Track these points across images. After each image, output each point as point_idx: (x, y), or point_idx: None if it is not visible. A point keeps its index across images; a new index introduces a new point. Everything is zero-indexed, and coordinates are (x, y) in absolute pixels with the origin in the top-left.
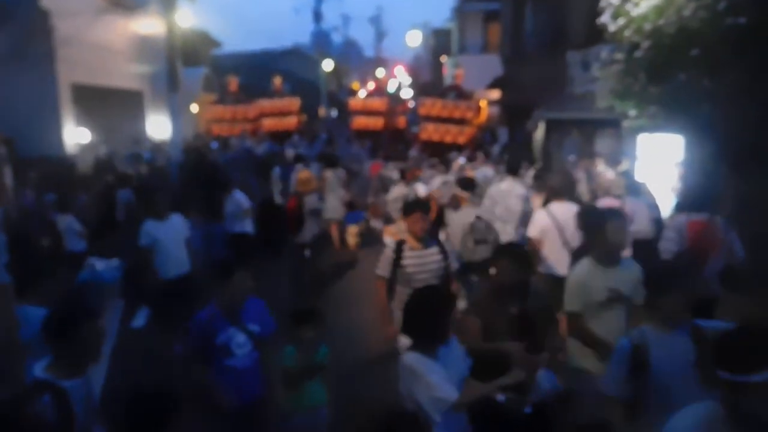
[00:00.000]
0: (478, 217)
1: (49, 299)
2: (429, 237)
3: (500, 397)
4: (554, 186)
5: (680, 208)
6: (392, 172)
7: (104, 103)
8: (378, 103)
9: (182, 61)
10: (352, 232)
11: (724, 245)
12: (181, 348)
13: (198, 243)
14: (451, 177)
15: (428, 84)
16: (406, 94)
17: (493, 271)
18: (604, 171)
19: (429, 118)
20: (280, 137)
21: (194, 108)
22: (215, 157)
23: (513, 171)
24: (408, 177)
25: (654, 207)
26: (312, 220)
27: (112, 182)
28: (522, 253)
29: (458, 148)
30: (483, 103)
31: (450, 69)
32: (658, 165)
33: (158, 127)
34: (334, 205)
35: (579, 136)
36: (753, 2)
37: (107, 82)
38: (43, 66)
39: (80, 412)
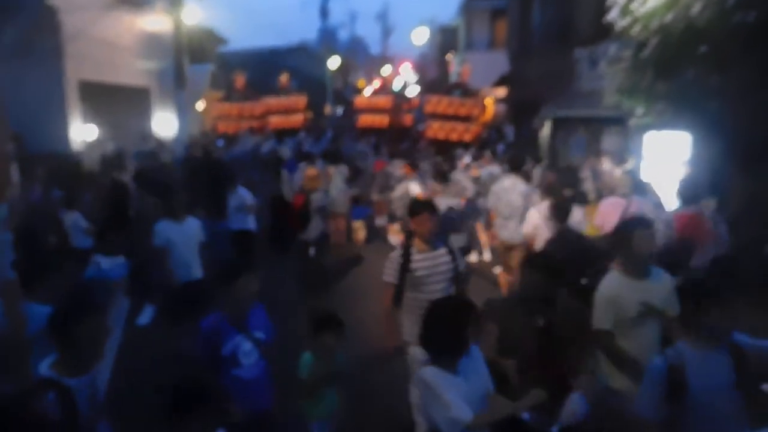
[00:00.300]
0: (450, 208)
1: (55, 296)
2: (436, 238)
3: (525, 416)
4: (550, 184)
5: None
6: (396, 169)
7: (111, 100)
8: (383, 101)
9: (189, 58)
10: (359, 227)
11: (713, 237)
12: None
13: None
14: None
15: (435, 81)
16: (413, 91)
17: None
18: (610, 169)
19: (435, 116)
20: (286, 134)
21: (200, 105)
22: (220, 154)
23: (515, 168)
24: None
25: (660, 206)
26: (318, 217)
27: (118, 179)
28: (551, 265)
29: (464, 146)
30: (489, 101)
31: (456, 66)
32: (665, 163)
33: (165, 124)
34: (338, 200)
35: (585, 134)
36: None
37: (114, 78)
38: (51, 62)
39: (85, 410)
